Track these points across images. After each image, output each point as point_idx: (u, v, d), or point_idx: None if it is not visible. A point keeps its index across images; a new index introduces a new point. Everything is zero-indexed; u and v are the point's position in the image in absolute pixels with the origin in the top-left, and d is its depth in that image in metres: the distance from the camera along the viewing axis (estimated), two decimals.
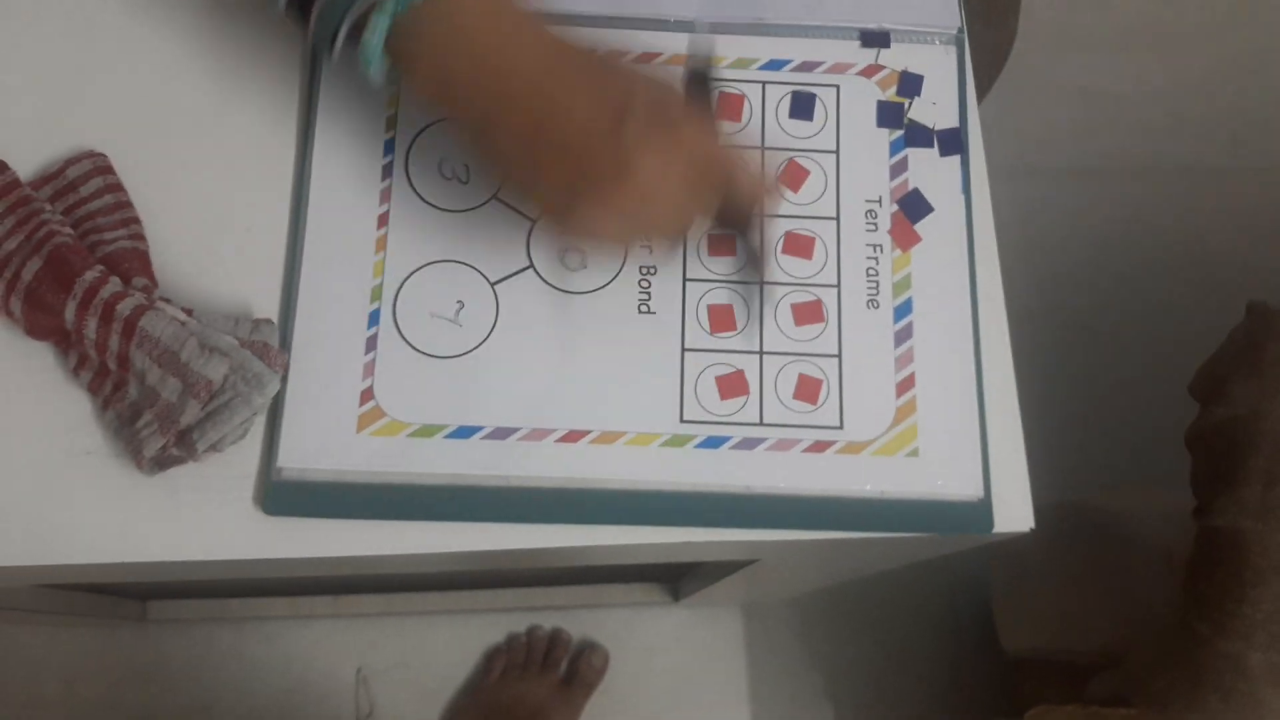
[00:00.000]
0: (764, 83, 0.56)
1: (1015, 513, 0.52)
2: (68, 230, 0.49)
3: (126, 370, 0.47)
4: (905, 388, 0.52)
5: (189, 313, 0.48)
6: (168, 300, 0.49)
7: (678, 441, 0.51)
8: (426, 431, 0.50)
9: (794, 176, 0.55)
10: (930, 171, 0.55)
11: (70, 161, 0.52)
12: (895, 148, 0.55)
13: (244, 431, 0.48)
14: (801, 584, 1.04)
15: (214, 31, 0.56)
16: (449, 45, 0.43)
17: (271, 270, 0.52)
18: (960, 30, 0.57)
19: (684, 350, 0.52)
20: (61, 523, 0.48)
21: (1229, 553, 0.66)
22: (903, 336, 0.53)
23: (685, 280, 0.53)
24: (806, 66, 0.56)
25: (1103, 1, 1.52)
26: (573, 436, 0.50)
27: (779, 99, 0.56)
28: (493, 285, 0.52)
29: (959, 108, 0.56)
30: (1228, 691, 0.67)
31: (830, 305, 0.53)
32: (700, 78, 0.49)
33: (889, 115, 0.56)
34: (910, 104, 0.56)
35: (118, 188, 0.52)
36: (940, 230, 0.54)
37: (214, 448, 0.47)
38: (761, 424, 0.51)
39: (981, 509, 0.51)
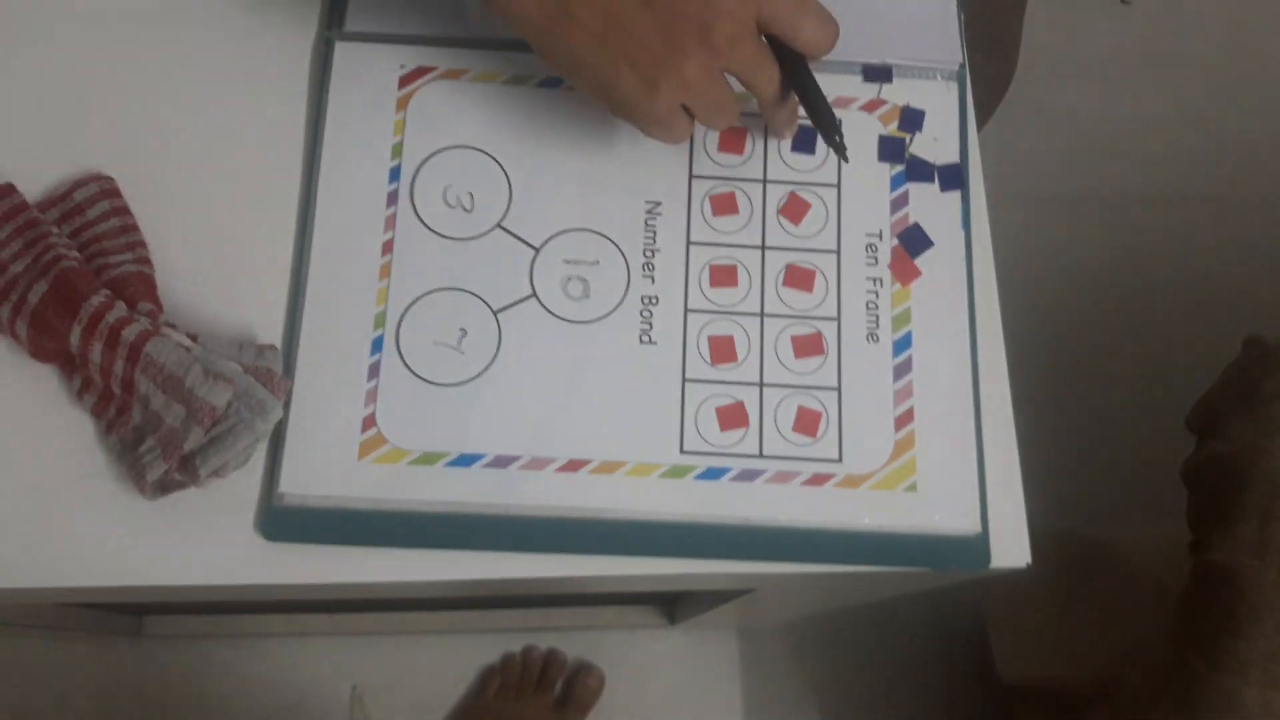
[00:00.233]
0: None
1: (1012, 548, 0.52)
2: (74, 254, 0.49)
3: (131, 395, 0.48)
4: (904, 422, 0.52)
5: (194, 338, 0.49)
6: (173, 325, 0.49)
7: (678, 472, 0.51)
8: (427, 459, 0.50)
9: (795, 209, 0.55)
10: (931, 206, 0.55)
11: (77, 184, 0.52)
12: (896, 182, 0.56)
13: (247, 457, 0.48)
14: (797, 611, 1.05)
15: (222, 56, 0.57)
16: None
17: (275, 295, 0.53)
18: (962, 66, 0.58)
19: (685, 381, 0.52)
20: (63, 545, 0.49)
21: (1225, 588, 0.67)
22: (902, 370, 0.53)
23: (686, 311, 0.53)
24: None
25: (1102, 30, 1.53)
26: (573, 466, 0.51)
27: None
28: (495, 313, 0.53)
29: (960, 143, 0.57)
30: None
31: (830, 338, 0.53)
32: None
33: (890, 150, 0.56)
34: (911, 139, 0.57)
35: (124, 211, 0.52)
36: (940, 265, 0.55)
37: (217, 473, 0.48)
38: (761, 456, 0.51)
39: (979, 544, 0.51)
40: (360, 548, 0.49)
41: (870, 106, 0.57)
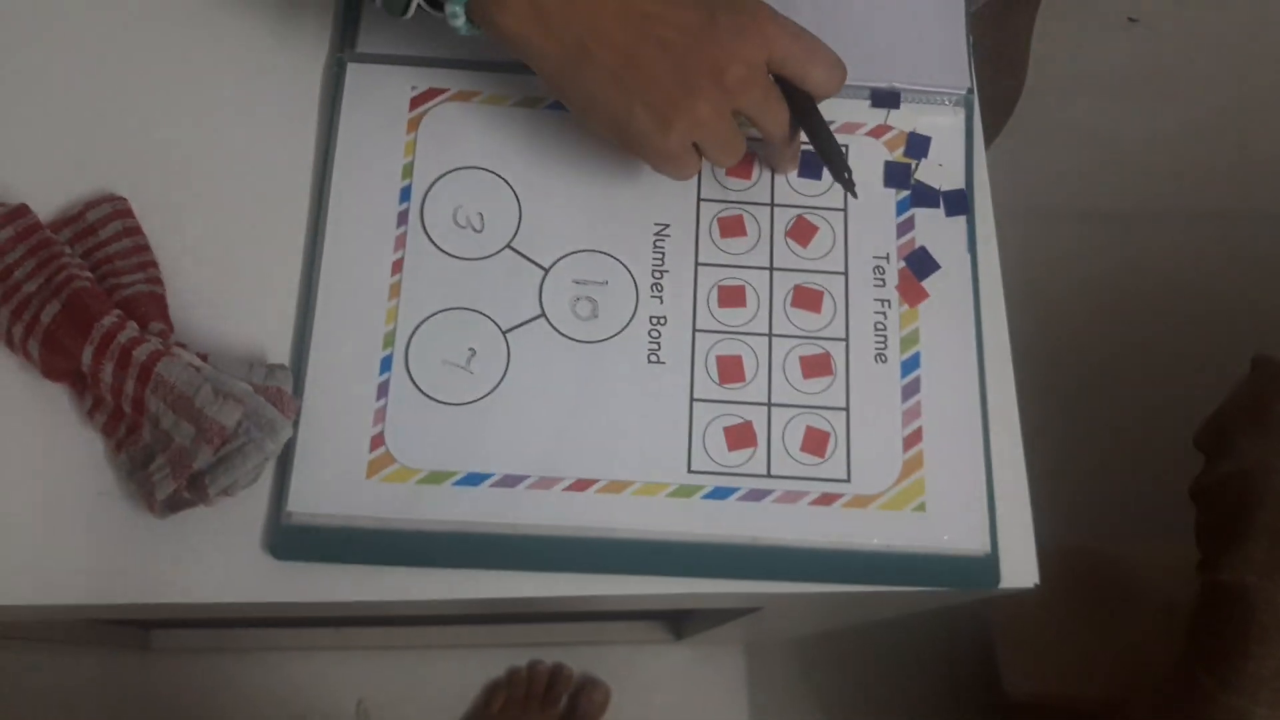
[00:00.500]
0: None
1: (1020, 567, 0.52)
2: (86, 274, 0.49)
3: (141, 414, 0.48)
4: (912, 442, 0.52)
5: (204, 358, 0.49)
6: (183, 345, 0.49)
7: (685, 492, 0.51)
8: (435, 478, 0.50)
9: (803, 232, 0.55)
10: (937, 230, 0.56)
11: (90, 205, 0.53)
12: (902, 207, 0.56)
13: (256, 476, 0.49)
14: (804, 628, 1.04)
15: (234, 78, 0.57)
16: None
17: (285, 315, 0.53)
18: (970, 90, 0.58)
19: (693, 400, 0.53)
20: (73, 563, 0.49)
21: (1234, 608, 0.66)
22: (910, 391, 0.53)
23: (695, 331, 0.54)
24: None
25: (1110, 47, 1.53)
26: (581, 485, 0.51)
27: None
28: (504, 333, 0.53)
29: (966, 167, 0.57)
30: None
31: (838, 359, 0.53)
32: None
33: (896, 175, 0.57)
34: (917, 165, 0.57)
35: (136, 231, 0.53)
36: (948, 287, 0.55)
37: (226, 492, 0.48)
38: (769, 476, 0.51)
39: (987, 564, 0.51)
40: (368, 566, 0.49)
41: (877, 132, 0.57)
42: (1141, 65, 1.53)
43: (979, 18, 0.62)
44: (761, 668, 1.24)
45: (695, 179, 0.56)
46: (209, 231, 0.54)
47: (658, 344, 0.53)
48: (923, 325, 0.54)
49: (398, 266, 0.53)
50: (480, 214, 0.55)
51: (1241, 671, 0.66)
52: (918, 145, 0.57)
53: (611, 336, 0.53)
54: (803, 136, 0.53)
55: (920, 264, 0.55)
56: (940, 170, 0.57)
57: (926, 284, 0.55)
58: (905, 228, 0.56)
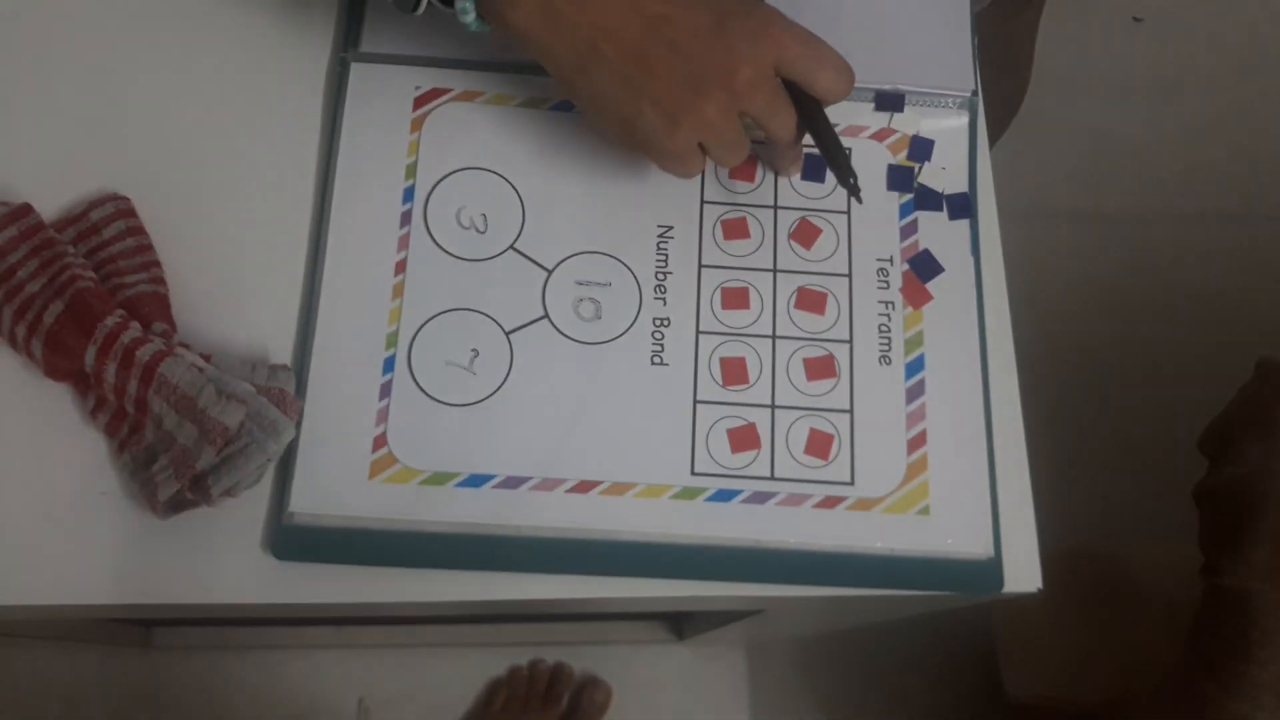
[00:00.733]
0: None
1: (1023, 572, 0.52)
2: (90, 274, 0.49)
3: (144, 414, 0.48)
4: (916, 445, 0.52)
5: (207, 358, 0.49)
6: (186, 346, 0.49)
7: (689, 494, 0.51)
8: (438, 479, 0.50)
9: (806, 234, 0.55)
10: (940, 233, 0.56)
11: (94, 204, 0.53)
12: (905, 210, 0.56)
13: (258, 477, 0.49)
14: (806, 629, 1.04)
15: (237, 77, 0.57)
16: None
17: (288, 315, 0.53)
18: (974, 93, 0.58)
19: (696, 402, 0.52)
20: (75, 563, 0.49)
21: (1237, 613, 0.66)
22: (914, 393, 0.53)
23: (698, 333, 0.53)
24: None
25: (1114, 48, 1.53)
26: (584, 487, 0.51)
27: None
28: (507, 334, 0.53)
29: (969, 171, 0.57)
30: None
31: (842, 361, 0.53)
32: None
33: (899, 179, 0.56)
34: (920, 168, 0.57)
35: (140, 231, 0.53)
36: (951, 289, 0.55)
37: (228, 493, 0.48)
38: (773, 478, 0.51)
39: (991, 568, 0.51)
40: (369, 567, 0.49)
41: (880, 135, 0.57)
42: (1146, 66, 1.53)
43: (983, 18, 0.61)
44: (763, 668, 1.24)
45: (699, 181, 0.56)
46: (212, 231, 0.54)
47: (661, 346, 0.53)
48: (926, 328, 0.54)
49: (401, 267, 0.53)
50: (484, 215, 0.54)
51: (1243, 676, 0.65)
52: (921, 148, 0.57)
53: (615, 338, 0.53)
54: (806, 139, 0.53)
55: (924, 267, 0.55)
56: (943, 174, 0.57)
57: (930, 286, 0.55)
58: (909, 230, 0.56)
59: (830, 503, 0.51)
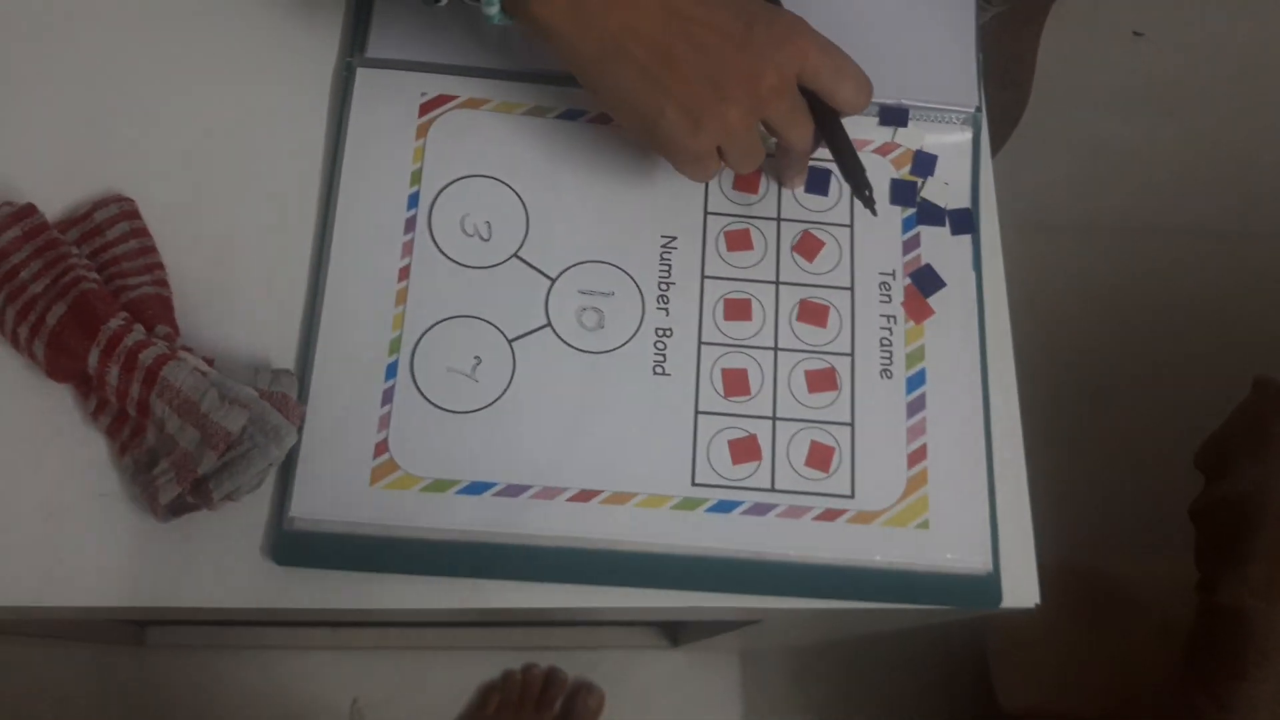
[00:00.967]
0: None
1: (1021, 587, 0.52)
2: (93, 275, 0.49)
3: (146, 417, 0.48)
4: (917, 459, 0.52)
5: (210, 362, 0.49)
6: (189, 349, 0.49)
7: (689, 505, 0.51)
8: (439, 486, 0.50)
9: (809, 247, 0.56)
10: (942, 248, 0.56)
11: (98, 205, 0.53)
12: (908, 224, 0.56)
13: (259, 482, 0.49)
14: (802, 639, 1.05)
15: (243, 81, 0.57)
16: None
17: (291, 319, 0.53)
18: (978, 109, 0.58)
19: (697, 413, 0.52)
20: (75, 565, 0.49)
21: (1233, 630, 0.66)
22: (915, 407, 0.53)
23: (700, 343, 0.54)
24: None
25: (1115, 61, 1.53)
26: (584, 496, 0.51)
27: None
28: (510, 342, 0.53)
29: (972, 186, 0.57)
30: None
31: (844, 374, 0.53)
32: None
33: (902, 193, 0.57)
34: (923, 183, 0.57)
35: (143, 233, 0.53)
36: (953, 303, 0.55)
37: (229, 497, 0.48)
38: (773, 490, 0.51)
39: (989, 583, 0.51)
40: (369, 573, 0.49)
41: (884, 150, 0.57)
42: (1146, 79, 1.53)
43: (985, 31, 0.62)
44: (756, 675, 1.24)
45: (702, 192, 0.56)
46: (216, 234, 0.54)
47: (663, 356, 0.53)
48: (928, 342, 0.54)
49: (404, 273, 0.53)
50: (488, 222, 0.55)
51: (1238, 693, 0.66)
52: (924, 163, 0.57)
53: (617, 348, 0.53)
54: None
55: (926, 281, 0.55)
56: (946, 189, 0.57)
57: (932, 301, 0.55)
58: (911, 245, 0.56)
59: (830, 515, 0.51)
